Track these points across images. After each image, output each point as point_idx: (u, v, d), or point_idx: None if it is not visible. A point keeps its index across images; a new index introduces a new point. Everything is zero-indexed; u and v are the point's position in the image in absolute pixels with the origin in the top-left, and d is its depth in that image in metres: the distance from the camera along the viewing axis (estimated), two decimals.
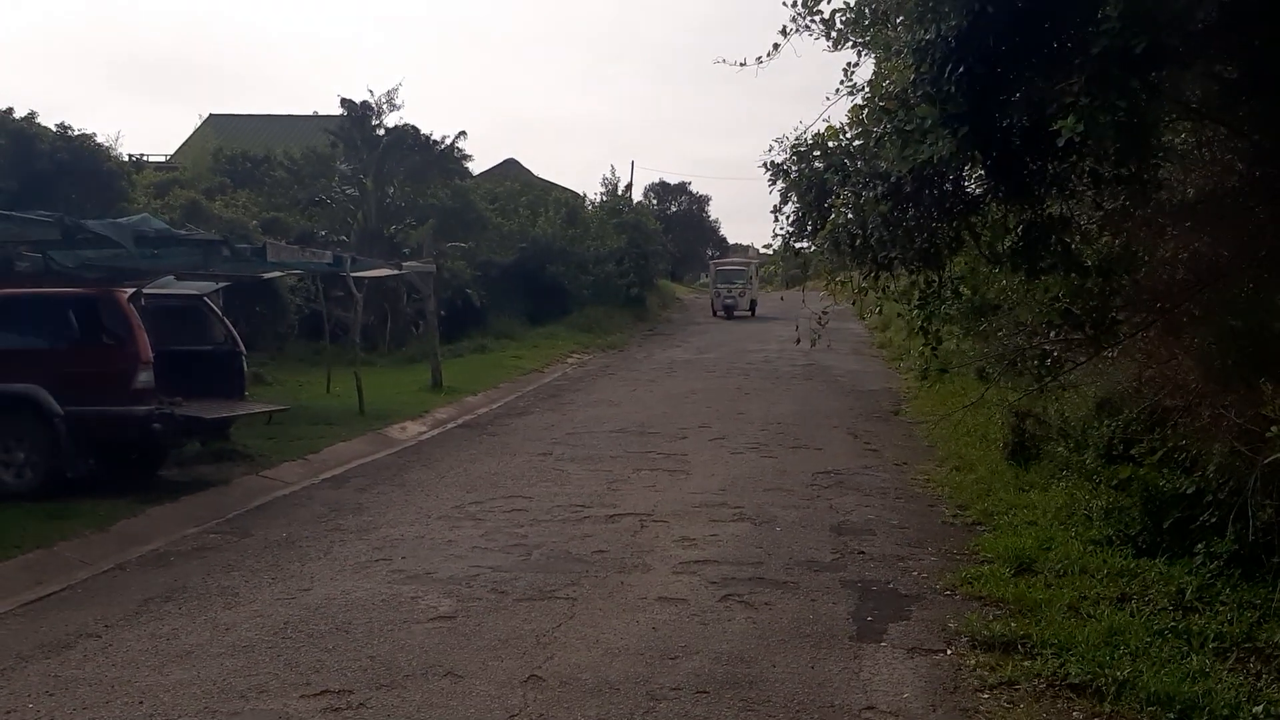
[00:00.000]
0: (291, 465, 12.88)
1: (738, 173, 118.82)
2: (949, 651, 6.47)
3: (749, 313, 43.34)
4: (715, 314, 43.63)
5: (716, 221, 69.09)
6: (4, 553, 8.61)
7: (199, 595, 7.83)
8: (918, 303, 8.97)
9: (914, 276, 8.88)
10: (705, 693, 5.83)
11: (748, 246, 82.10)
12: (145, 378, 10.76)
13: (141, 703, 5.77)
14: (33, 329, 11.29)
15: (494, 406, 18.75)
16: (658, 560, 8.53)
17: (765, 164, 8.45)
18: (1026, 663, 6.16)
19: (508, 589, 7.75)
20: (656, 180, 64.10)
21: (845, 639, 6.71)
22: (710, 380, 22.01)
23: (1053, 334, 9.70)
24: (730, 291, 43.73)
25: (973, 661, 6.26)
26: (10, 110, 20.91)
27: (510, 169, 48.82)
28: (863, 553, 8.73)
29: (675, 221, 59.19)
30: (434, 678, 6.05)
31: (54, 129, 20.88)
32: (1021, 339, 10.75)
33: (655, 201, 60.75)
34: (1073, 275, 8.13)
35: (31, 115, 21.05)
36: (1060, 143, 6.16)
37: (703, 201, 65.28)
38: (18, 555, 8.64)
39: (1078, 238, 8.45)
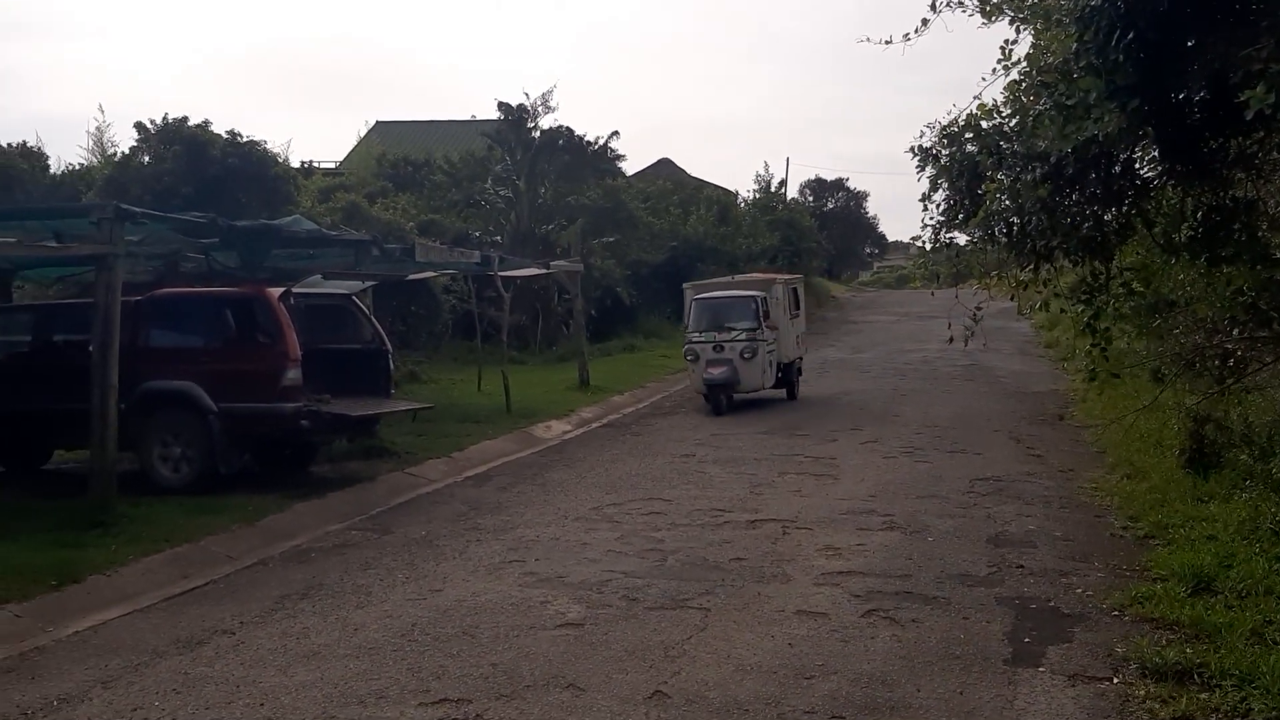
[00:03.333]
0: (436, 462, 12.95)
1: (895, 167, 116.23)
2: (1115, 680, 5.86)
3: (784, 391, 19.15)
4: (703, 397, 18.07)
5: (875, 218, 67.51)
6: (154, 546, 8.81)
7: (334, 593, 7.82)
8: (1083, 298, 8.27)
9: (1078, 269, 8.19)
10: (841, 718, 5.41)
11: (908, 243, 79.77)
12: (293, 375, 10.92)
13: (262, 704, 5.71)
14: (191, 328, 11.62)
15: (639, 406, 18.58)
16: (798, 570, 8.11)
17: (913, 149, 7.90)
18: (1203, 695, 5.50)
19: (639, 596, 7.47)
20: (812, 177, 63.10)
21: (999, 662, 6.16)
22: (864, 381, 21.34)
23: (1236, 331, 8.85)
24: (724, 350, 17.65)
25: (1142, 692, 5.63)
26: (185, 119, 21.84)
27: (664, 168, 48.71)
28: (1022, 567, 8.10)
29: (831, 218, 57.86)
30: (555, 689, 5.80)
31: (225, 136, 21.72)
32: (1200, 337, 9.87)
33: (811, 198, 59.68)
34: (1259, 266, 7.33)
35: (205, 123, 21.95)
36: (1248, 116, 5.47)
37: (860, 197, 63.78)
38: (166, 549, 8.83)
39: (1265, 224, 7.62)
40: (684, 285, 20.41)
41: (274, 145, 23.70)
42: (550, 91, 32.46)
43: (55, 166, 25.24)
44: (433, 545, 9.20)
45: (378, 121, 47.74)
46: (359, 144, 44.23)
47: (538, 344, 26.39)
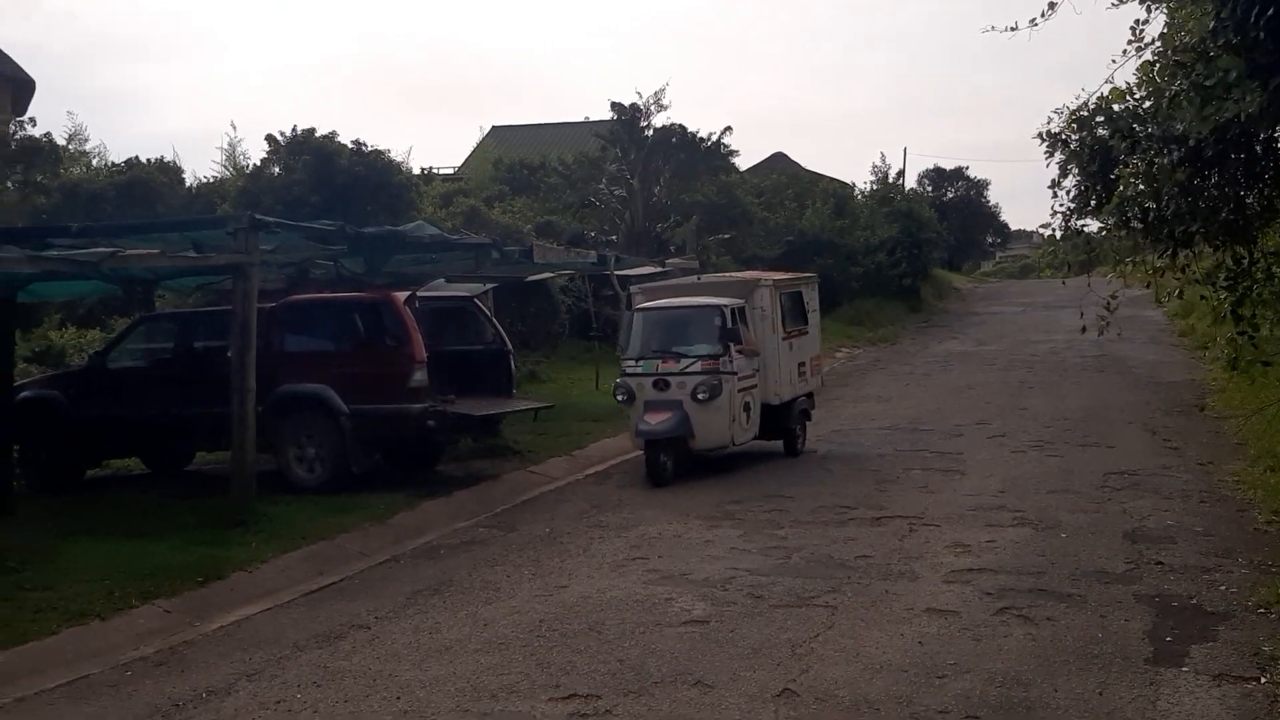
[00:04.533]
0: (558, 460, 13.10)
1: (1017, 154, 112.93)
2: (1263, 680, 5.62)
3: (790, 445, 13.15)
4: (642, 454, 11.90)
5: (996, 206, 65.64)
6: (292, 543, 9.12)
7: (463, 589, 7.98)
8: (1225, 284, 7.92)
9: (1219, 254, 7.85)
10: (976, 718, 5.30)
11: (1031, 232, 77.16)
12: (420, 377, 11.16)
13: (399, 698, 5.87)
14: (322, 332, 11.98)
15: None
16: (927, 568, 7.97)
17: (1041, 134, 7.68)
18: None
19: (764, 594, 7.44)
20: (931, 166, 61.57)
21: (1139, 662, 5.95)
22: (990, 374, 20.82)
23: None
24: (668, 387, 11.81)
25: None
26: (313, 130, 22.55)
27: (778, 162, 48.33)
28: (1161, 563, 7.81)
29: (951, 208, 56.44)
30: (683, 686, 5.82)
31: (350, 146, 22.34)
32: None
33: (930, 188, 58.43)
34: None
35: (332, 134, 22.62)
36: None
37: (980, 186, 62.04)
38: (303, 546, 9.13)
39: None
40: (630, 288, 14.00)
41: (396, 153, 24.24)
42: (662, 90, 32.63)
43: (190, 180, 26.31)
44: (557, 542, 9.32)
45: (494, 127, 48.57)
46: (476, 149, 45.02)
47: None
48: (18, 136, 24.66)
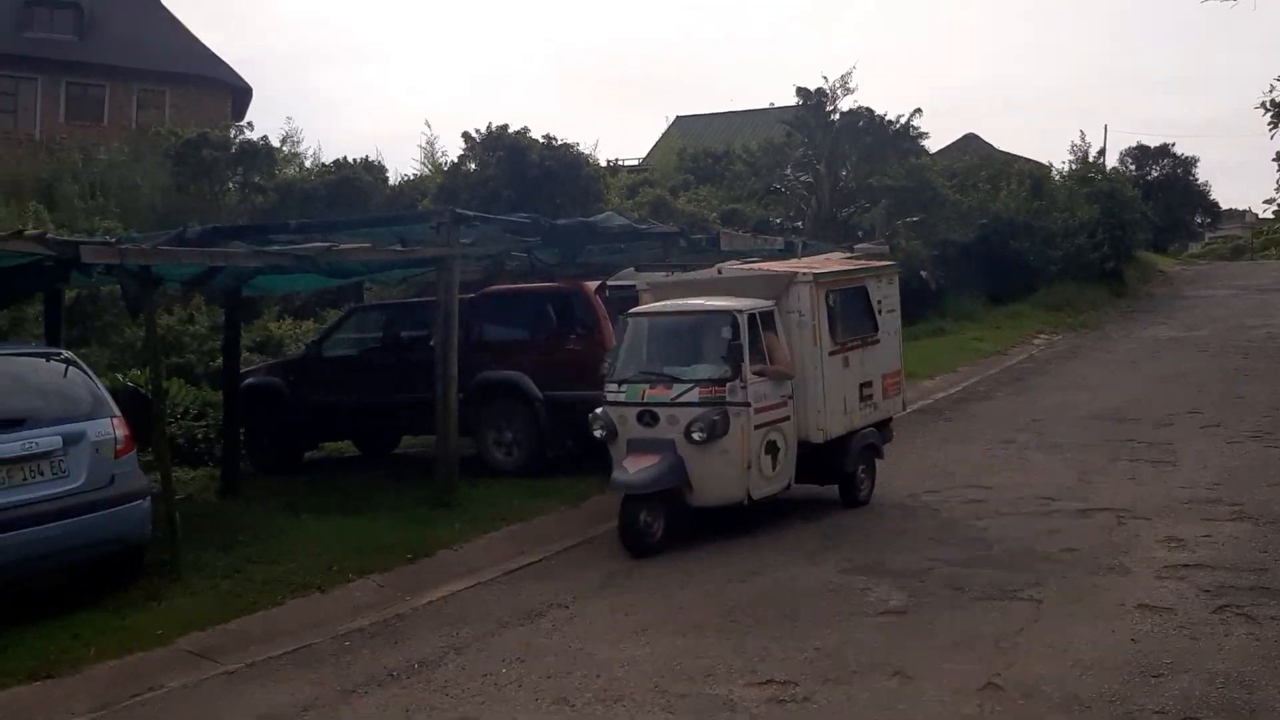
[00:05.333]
0: None
1: (1229, 129, 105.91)
2: None
3: (847, 492, 9.91)
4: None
5: (1205, 185, 61.66)
6: (493, 524, 9.45)
7: (657, 572, 8.10)
8: None
9: None
10: (1195, 719, 5.05)
11: (1244, 211, 71.87)
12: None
13: (598, 676, 6.02)
14: (518, 322, 12.34)
15: (951, 391, 17.97)
16: (1138, 562, 7.62)
17: (1264, 104, 7.18)
18: None
19: (964, 586, 7.27)
20: (1133, 144, 58.37)
21: None
22: (1201, 360, 19.64)
23: None
24: (656, 421, 8.86)
25: None
26: (505, 126, 23.24)
27: (969, 144, 46.81)
28: None
29: (1156, 187, 53.36)
30: (882, 676, 5.76)
31: (541, 140, 22.91)
32: None
33: (1132, 167, 55.44)
34: None
35: (524, 130, 23.25)
36: None
37: (1188, 164, 58.45)
38: (504, 527, 9.45)
39: None
40: (637, 286, 10.62)
41: (584, 146, 24.73)
42: (849, 73, 32.01)
43: (393, 178, 27.49)
44: (749, 530, 9.34)
45: (678, 117, 48.84)
46: (661, 140, 45.37)
47: None
48: (238, 140, 26.36)
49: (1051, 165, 40.18)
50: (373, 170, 26.11)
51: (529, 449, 11.57)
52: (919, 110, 32.96)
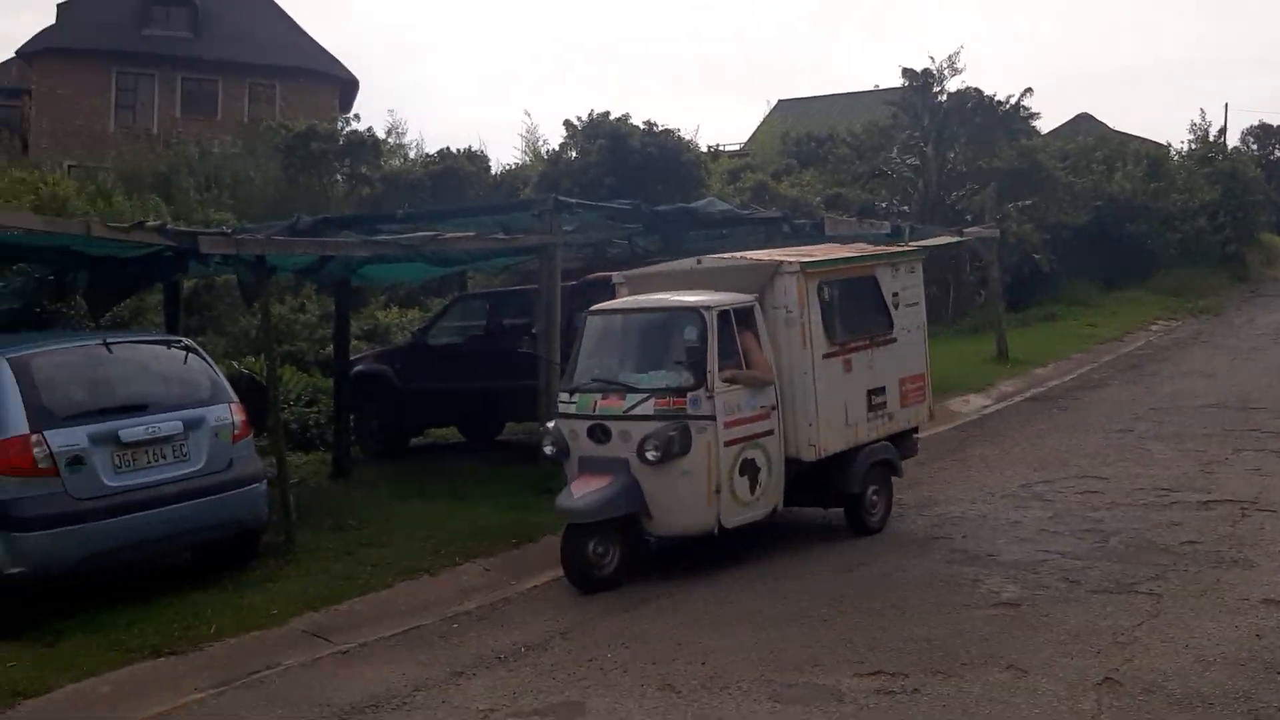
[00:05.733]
0: None
1: None
2: None
3: (855, 517, 8.61)
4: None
5: None
6: None
7: (760, 562, 8.03)
8: None
9: None
10: None
11: None
12: None
13: (703, 662, 5.99)
14: None
15: (1065, 379, 17.48)
16: (1263, 556, 7.32)
17: None
18: None
19: (1080, 578, 7.06)
20: (1255, 123, 55.89)
21: None
22: None
23: None
24: (608, 437, 7.68)
25: None
26: (607, 114, 23.30)
27: (1082, 124, 45.40)
28: None
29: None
30: (994, 669, 5.62)
31: (642, 127, 22.91)
32: None
33: (1255, 146, 53.13)
34: None
35: (624, 117, 23.28)
36: None
37: None
38: None
39: None
40: (613, 279, 9.31)
41: (684, 132, 24.62)
42: (956, 53, 31.24)
43: (495, 167, 27.80)
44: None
45: (780, 101, 48.40)
46: (763, 124, 45.03)
47: (949, 315, 25.57)
48: (345, 132, 26.92)
49: (1169, 145, 38.77)
50: (475, 160, 26.43)
51: None
52: (1029, 90, 32.23)
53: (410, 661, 6.38)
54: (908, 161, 28.36)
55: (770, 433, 7.92)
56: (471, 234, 10.37)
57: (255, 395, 9.88)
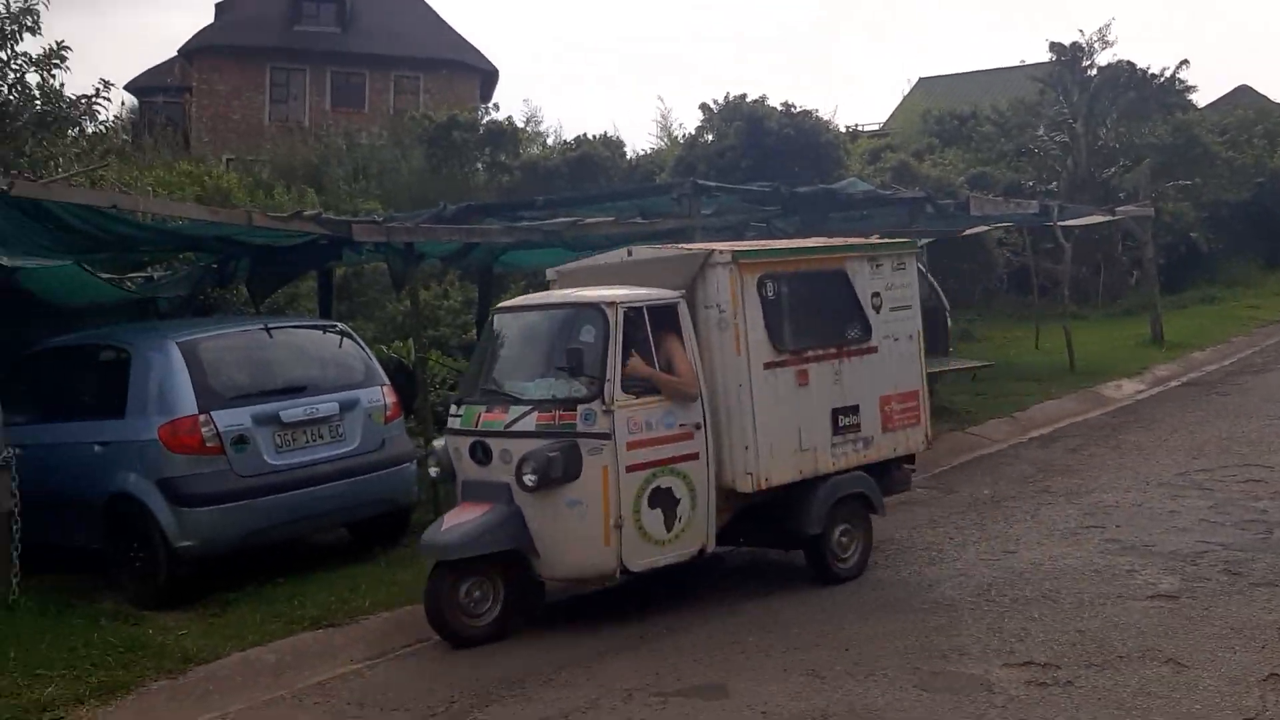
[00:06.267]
0: (997, 422, 12.61)
1: None
2: None
3: (819, 562, 7.21)
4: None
5: None
6: None
7: (903, 548, 7.92)
8: None
9: None
10: None
11: None
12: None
13: (847, 650, 5.95)
14: None
15: (1224, 363, 16.70)
16: None
17: None
18: None
19: (1243, 571, 6.75)
20: None
21: None
22: None
23: None
24: (489, 457, 6.57)
25: None
26: (743, 96, 23.19)
27: (1241, 96, 43.00)
28: None
29: None
30: (1152, 663, 5.43)
31: (779, 108, 22.73)
32: None
33: None
34: None
35: (761, 98, 23.14)
36: None
37: None
38: None
39: None
40: (547, 273, 8.04)
41: (822, 113, 24.33)
42: (1108, 25, 30.12)
43: (630, 153, 27.95)
44: (1000, 506, 9.01)
45: (920, 78, 47.35)
46: (903, 103, 44.13)
47: (1100, 297, 24.69)
48: (485, 122, 27.45)
49: None
50: (611, 146, 26.61)
51: None
52: (1185, 62, 30.65)
53: (553, 641, 6.50)
54: (1055, 139, 27.48)
55: (694, 456, 6.59)
56: (610, 218, 10.47)
57: (403, 379, 10.21)
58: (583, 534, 6.35)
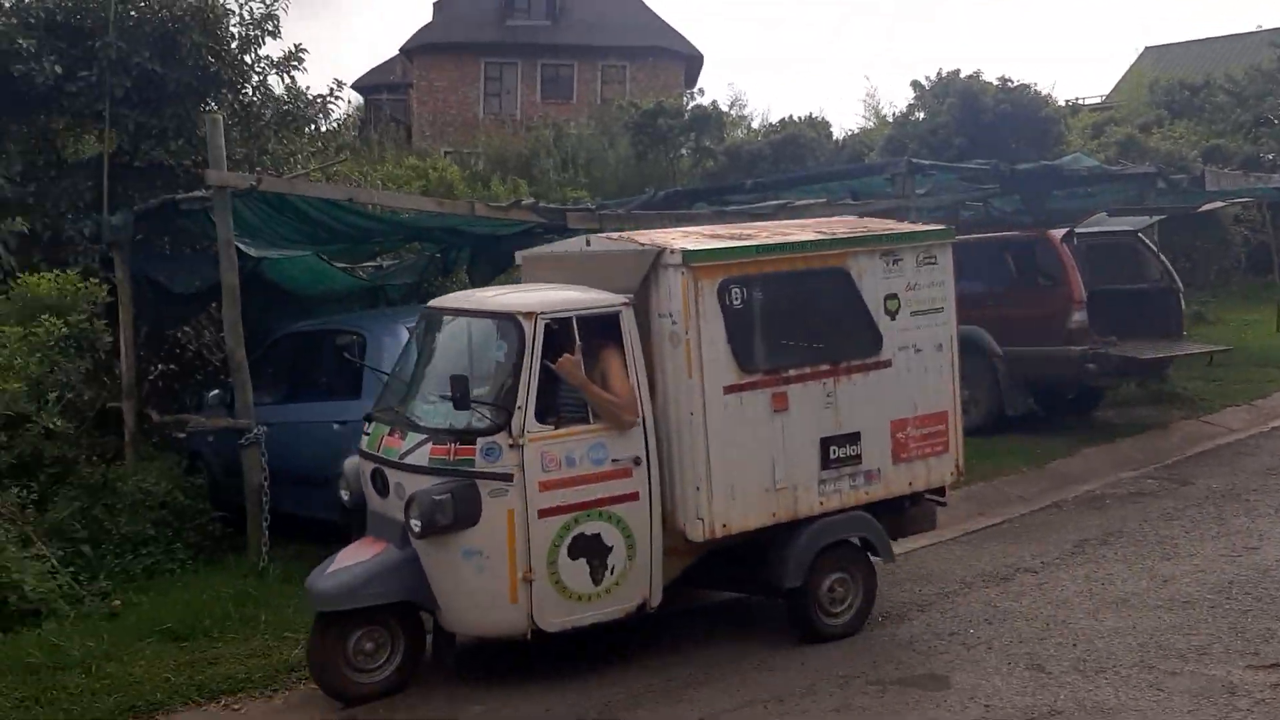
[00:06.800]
0: (1235, 411, 11.85)
1: None
2: None
3: (800, 617, 6.04)
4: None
5: None
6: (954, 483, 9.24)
7: (1135, 542, 7.57)
8: None
9: None
10: None
11: None
12: (1079, 317, 10.71)
13: (1075, 645, 5.73)
14: (974, 274, 11.86)
15: None
16: None
17: None
18: None
19: None
20: None
21: None
22: None
23: None
24: (387, 490, 5.71)
25: None
26: (957, 71, 22.51)
27: None
28: None
29: None
30: None
31: (995, 83, 21.92)
32: None
33: None
34: None
35: (977, 73, 22.38)
36: None
37: None
38: (962, 486, 9.16)
39: None
40: (518, 256, 7.02)
41: (1040, 86, 23.30)
42: None
43: (837, 133, 27.54)
44: (1240, 499, 8.47)
45: (1146, 47, 44.65)
46: (1128, 73, 41.70)
47: None
48: (690, 107, 27.60)
49: None
50: (817, 127, 26.32)
51: (986, 407, 11.17)
52: None
53: (762, 621, 6.50)
54: None
55: (632, 497, 5.54)
56: (821, 200, 10.37)
57: None
58: (483, 588, 5.37)
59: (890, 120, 25.93)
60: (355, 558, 5.61)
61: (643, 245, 5.80)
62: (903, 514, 6.49)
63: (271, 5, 10.76)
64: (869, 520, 6.13)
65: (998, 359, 11.00)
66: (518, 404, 5.31)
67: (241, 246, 8.14)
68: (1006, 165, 11.61)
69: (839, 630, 6.03)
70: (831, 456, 5.94)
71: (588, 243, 6.28)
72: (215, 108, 10.30)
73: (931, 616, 6.39)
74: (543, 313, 5.46)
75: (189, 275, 9.47)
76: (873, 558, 6.18)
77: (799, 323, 6.07)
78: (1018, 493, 9.19)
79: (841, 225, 6.61)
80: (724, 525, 5.65)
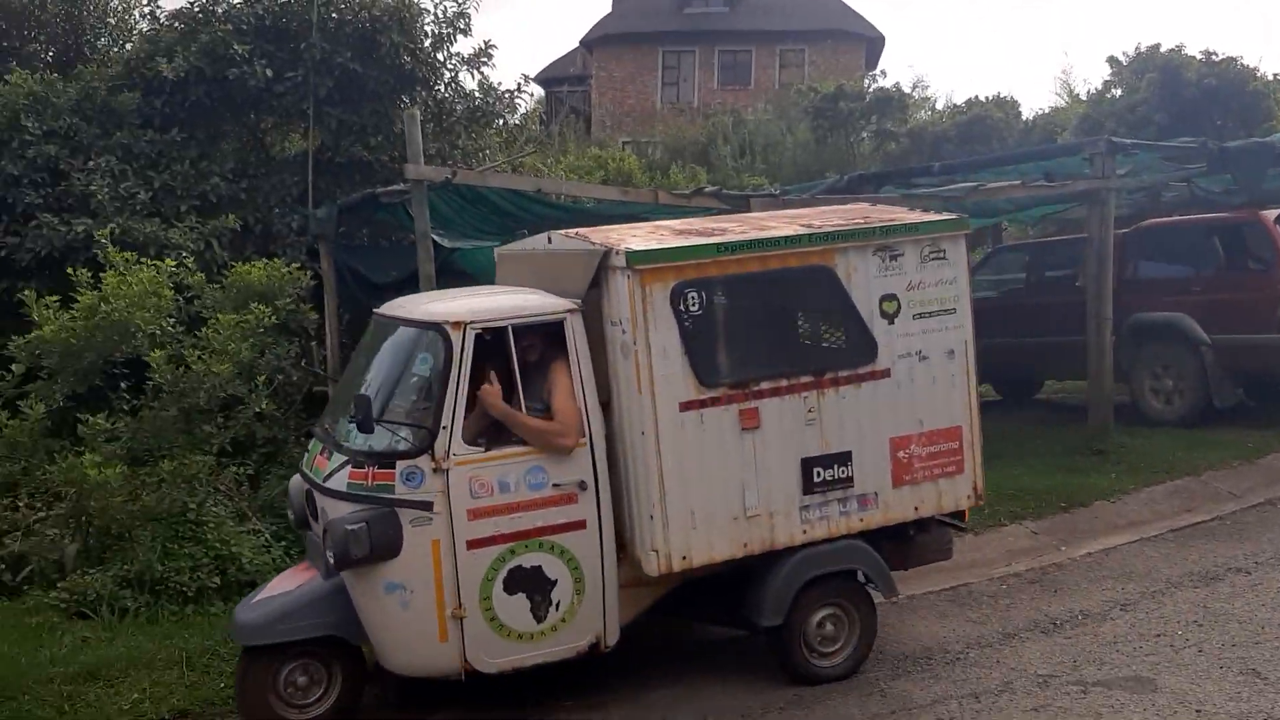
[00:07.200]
0: None
1: None
2: None
3: (787, 655, 5.42)
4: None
5: None
6: (1153, 476, 8.84)
7: None
8: None
9: None
10: None
11: None
12: None
13: None
14: (1177, 258, 11.32)
15: None
16: None
17: None
18: None
19: None
20: None
21: None
22: None
23: None
24: (315, 517, 5.34)
25: None
26: (1157, 45, 21.36)
27: None
28: None
29: None
30: None
31: (1198, 57, 20.72)
32: None
33: None
34: None
35: (1178, 47, 21.19)
36: None
37: None
38: (1166, 480, 8.79)
39: None
40: (496, 252, 6.74)
41: (1247, 59, 21.85)
42: None
43: (1025, 113, 26.50)
44: None
45: None
46: None
47: None
48: (871, 89, 27.10)
49: None
50: (1004, 106, 25.36)
51: (1192, 398, 10.61)
52: None
53: (959, 619, 6.37)
54: None
55: (578, 525, 5.02)
56: (1017, 182, 10.02)
57: None
58: (409, 626, 4.90)
59: (1084, 99, 24.80)
60: (282, 587, 5.24)
61: (592, 245, 5.20)
62: (909, 543, 5.77)
63: (463, 3, 11.12)
64: (864, 550, 5.47)
65: (1205, 348, 10.42)
66: (442, 424, 4.83)
67: (436, 238, 8.44)
68: (1215, 143, 10.95)
69: (830, 672, 5.42)
70: (816, 479, 5.28)
71: (549, 240, 5.73)
72: (410, 104, 10.71)
73: (1136, 616, 6.13)
74: (472, 322, 4.96)
75: (386, 266, 9.89)
76: (873, 591, 5.55)
77: (773, 330, 5.46)
78: (1228, 489, 8.69)
79: (836, 216, 5.83)
80: (683, 558, 5.07)
